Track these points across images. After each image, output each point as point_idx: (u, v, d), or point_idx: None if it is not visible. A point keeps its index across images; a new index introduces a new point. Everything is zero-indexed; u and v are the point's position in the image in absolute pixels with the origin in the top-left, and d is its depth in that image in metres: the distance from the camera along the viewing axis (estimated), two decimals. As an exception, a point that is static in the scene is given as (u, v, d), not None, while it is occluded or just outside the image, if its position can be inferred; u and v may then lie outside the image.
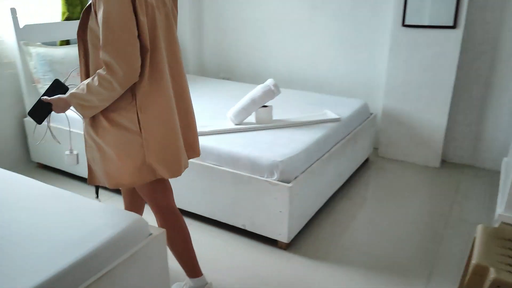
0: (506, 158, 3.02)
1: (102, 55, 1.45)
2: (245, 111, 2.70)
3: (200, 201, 2.52)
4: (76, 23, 2.77)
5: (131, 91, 1.55)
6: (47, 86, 2.15)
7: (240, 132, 2.60)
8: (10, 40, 3.09)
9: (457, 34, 3.07)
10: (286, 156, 2.27)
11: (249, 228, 2.40)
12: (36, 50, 3.05)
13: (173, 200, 1.88)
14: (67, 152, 1.89)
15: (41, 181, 2.07)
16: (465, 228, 2.58)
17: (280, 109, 2.93)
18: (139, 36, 1.49)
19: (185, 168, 1.77)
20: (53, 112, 1.62)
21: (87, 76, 1.62)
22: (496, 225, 2.24)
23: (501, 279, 1.46)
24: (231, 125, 2.68)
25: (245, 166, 2.33)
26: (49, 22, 3.30)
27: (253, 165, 2.30)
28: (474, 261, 1.58)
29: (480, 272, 1.55)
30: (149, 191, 1.77)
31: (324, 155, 2.60)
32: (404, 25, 3.21)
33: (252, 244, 2.39)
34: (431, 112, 3.32)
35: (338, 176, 2.85)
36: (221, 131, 2.60)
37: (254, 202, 2.32)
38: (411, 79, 3.31)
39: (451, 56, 3.13)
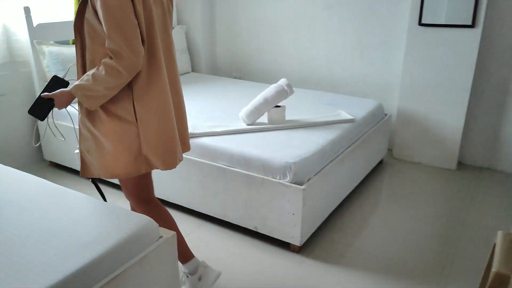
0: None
1: (108, 44, 1.47)
2: (258, 111, 2.66)
3: (211, 202, 2.49)
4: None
5: (128, 82, 1.57)
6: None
7: (252, 133, 2.57)
8: (24, 39, 3.10)
9: (475, 34, 2.99)
10: (299, 158, 2.23)
11: (261, 230, 2.36)
12: (49, 49, 3.05)
13: (153, 191, 1.91)
14: (77, 151, 1.88)
15: (52, 179, 2.06)
16: (482, 232, 2.51)
17: (293, 109, 2.88)
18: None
19: (179, 161, 1.78)
20: (55, 109, 1.62)
21: (84, 68, 1.63)
22: (516, 230, 2.18)
23: (523, 289, 1.40)
24: (243, 125, 2.65)
25: (258, 168, 2.29)
26: (62, 21, 3.30)
27: (266, 167, 2.26)
28: (494, 269, 1.53)
29: (500, 280, 1.49)
30: (134, 185, 1.78)
31: (338, 156, 2.55)
32: (420, 24, 3.14)
33: (264, 247, 2.36)
34: (447, 113, 3.24)
35: (351, 178, 2.80)
36: (233, 131, 2.57)
37: (267, 204, 2.28)
38: (427, 80, 3.24)
39: (469, 56, 3.05)
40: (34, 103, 1.60)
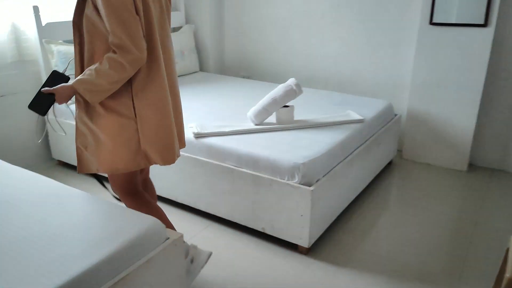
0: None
1: (112, 39, 1.49)
2: (266, 111, 2.63)
3: (219, 203, 2.47)
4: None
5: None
6: None
7: (260, 133, 2.54)
8: (33, 38, 3.10)
9: (488, 33, 2.94)
10: (308, 159, 2.20)
11: (268, 231, 2.34)
12: (58, 48, 3.05)
13: (141, 184, 1.94)
14: None
15: (60, 178, 2.06)
16: (494, 236, 2.46)
17: (302, 109, 2.86)
18: None
19: (177, 157, 1.80)
20: (55, 104, 1.62)
21: (82, 64, 1.64)
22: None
23: (539, 296, 1.36)
24: (251, 126, 2.62)
25: (266, 168, 2.27)
26: (71, 20, 3.30)
27: (274, 167, 2.24)
28: (508, 274, 1.49)
29: (515, 286, 1.46)
30: (123, 179, 1.80)
31: (347, 157, 2.52)
32: (432, 23, 3.09)
33: (272, 248, 2.33)
34: (459, 113, 3.19)
35: (360, 179, 2.76)
36: (241, 131, 2.55)
37: (274, 205, 2.26)
38: (438, 79, 3.20)
39: (481, 55, 3.00)
40: (34, 98, 1.59)
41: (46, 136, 3.32)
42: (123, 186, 1.83)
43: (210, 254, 1.96)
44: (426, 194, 2.95)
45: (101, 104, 1.62)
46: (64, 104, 1.63)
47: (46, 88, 1.59)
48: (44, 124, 1.64)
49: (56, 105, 1.64)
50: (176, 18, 4.09)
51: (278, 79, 4.04)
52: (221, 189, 2.43)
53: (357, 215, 2.67)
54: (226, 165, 2.38)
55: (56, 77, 1.63)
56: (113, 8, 1.47)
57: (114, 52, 1.51)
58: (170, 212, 2.68)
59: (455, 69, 3.11)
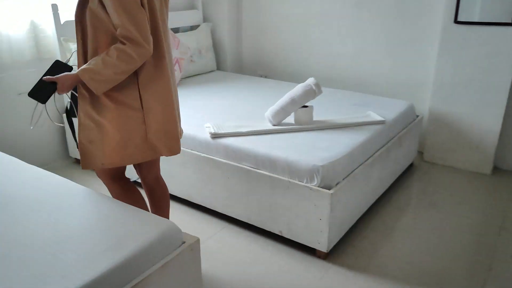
0: None
1: (121, 31, 1.51)
2: (284, 111, 2.58)
3: (235, 204, 2.43)
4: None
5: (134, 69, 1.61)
6: None
7: (278, 134, 2.49)
8: (51, 36, 3.10)
9: (516, 32, 2.83)
10: (327, 161, 2.14)
11: (286, 235, 2.28)
12: (76, 46, 3.04)
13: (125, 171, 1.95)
14: None
15: (76, 177, 2.04)
16: (521, 243, 2.37)
17: (321, 110, 2.79)
18: None
19: (180, 147, 1.84)
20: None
21: (85, 57, 1.65)
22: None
23: None
24: (269, 126, 2.57)
25: (284, 170, 2.21)
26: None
27: (292, 169, 2.18)
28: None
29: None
30: (112, 168, 1.81)
31: (367, 159, 2.45)
32: (456, 21, 2.99)
33: (289, 252, 2.28)
34: (483, 115, 3.08)
35: (381, 182, 2.69)
36: (258, 132, 2.50)
37: (293, 208, 2.20)
38: (462, 80, 3.09)
39: (508, 55, 2.89)
40: (34, 86, 1.58)
41: (64, 134, 3.32)
42: (109, 173, 1.84)
43: None
44: (448, 197, 2.86)
45: (108, 96, 1.63)
46: (66, 94, 1.64)
47: (48, 76, 1.58)
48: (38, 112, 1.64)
49: (56, 94, 1.63)
50: (193, 17, 4.06)
51: (295, 79, 3.98)
52: (238, 191, 2.38)
53: (376, 219, 2.60)
54: (243, 166, 2.34)
55: (59, 67, 1.62)
56: (121, 1, 1.49)
57: (122, 43, 1.53)
58: (186, 213, 2.65)
59: (481, 69, 3.01)
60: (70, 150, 3.33)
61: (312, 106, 2.61)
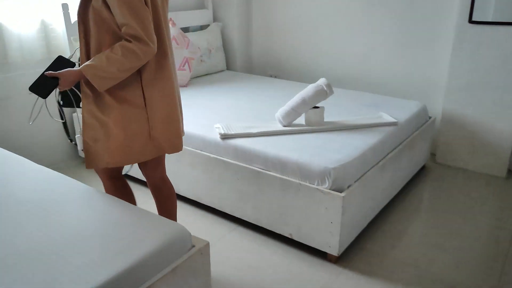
0: None
1: (127, 29, 1.51)
2: (295, 112, 2.54)
3: (245, 206, 2.40)
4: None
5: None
6: None
7: (288, 135, 2.46)
8: (61, 35, 3.10)
9: (532, 32, 2.77)
10: (339, 163, 2.10)
11: (296, 237, 2.25)
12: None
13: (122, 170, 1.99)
14: (78, 135, 1.83)
15: (85, 177, 2.03)
16: (538, 248, 2.31)
17: (332, 111, 2.75)
18: None
19: (182, 144, 1.87)
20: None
21: (88, 55, 1.65)
22: None
23: None
24: (279, 127, 2.54)
25: (294, 172, 2.18)
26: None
27: (303, 171, 2.15)
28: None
29: None
30: (112, 170, 1.85)
31: (379, 162, 2.40)
32: (471, 21, 2.93)
33: (299, 255, 2.25)
34: (498, 117, 3.02)
35: (392, 185, 2.64)
36: (269, 133, 2.47)
37: (303, 210, 2.17)
38: (477, 80, 3.03)
39: (525, 55, 2.83)
40: (36, 81, 1.57)
41: (74, 133, 3.32)
42: (111, 170, 1.86)
43: None
44: (461, 201, 2.80)
45: (112, 95, 1.63)
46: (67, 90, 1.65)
47: (51, 71, 1.57)
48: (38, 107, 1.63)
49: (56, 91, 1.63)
50: (203, 16, 4.04)
51: (306, 79, 3.94)
52: (247, 192, 2.35)
53: (388, 222, 2.55)
54: (253, 167, 2.31)
55: (61, 62, 1.61)
56: (127, 0, 1.49)
57: (128, 41, 1.53)
58: (195, 214, 2.63)
59: (496, 70, 2.94)
60: (79, 150, 3.32)
61: (323, 107, 2.57)
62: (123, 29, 1.53)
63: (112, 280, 1.17)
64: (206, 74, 3.88)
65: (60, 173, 1.83)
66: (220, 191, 2.49)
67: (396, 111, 2.82)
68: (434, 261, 2.21)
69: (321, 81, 2.56)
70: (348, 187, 2.12)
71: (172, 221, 1.46)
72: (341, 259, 2.21)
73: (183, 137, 2.19)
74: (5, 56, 2.87)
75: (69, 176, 1.82)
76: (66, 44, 3.07)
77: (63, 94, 1.80)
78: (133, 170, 2.44)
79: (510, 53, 2.86)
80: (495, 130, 3.06)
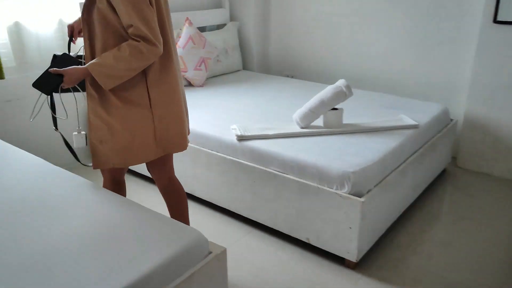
0: None
1: (133, 30, 1.52)
2: (313, 113, 2.49)
3: (261, 209, 2.36)
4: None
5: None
6: None
7: (306, 137, 2.41)
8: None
9: (561, 32, 2.66)
10: (359, 167, 2.04)
11: (313, 242, 2.20)
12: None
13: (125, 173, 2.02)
14: (75, 133, 1.81)
15: (100, 178, 2.01)
16: None
17: (350, 112, 2.69)
18: None
19: (188, 143, 1.88)
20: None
21: (93, 56, 1.64)
22: None
23: None
24: (297, 129, 2.49)
25: (312, 175, 2.13)
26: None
27: (321, 175, 2.10)
28: None
29: None
30: (117, 168, 1.86)
31: (399, 166, 2.34)
32: (496, 21, 2.84)
33: (316, 260, 2.20)
34: (523, 120, 2.92)
35: (412, 190, 2.57)
36: (286, 134, 2.42)
37: (321, 215, 2.12)
38: (501, 82, 2.94)
39: (552, 57, 2.73)
40: (40, 77, 1.56)
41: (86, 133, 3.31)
42: (110, 172, 1.88)
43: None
44: (483, 207, 2.72)
45: (117, 95, 1.64)
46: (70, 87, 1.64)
47: (55, 68, 1.56)
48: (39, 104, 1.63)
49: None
50: (220, 16, 4.01)
51: (323, 79, 3.88)
52: (264, 195, 2.31)
53: (407, 227, 2.48)
54: (270, 170, 2.26)
55: (66, 60, 1.61)
56: (133, 2, 1.50)
57: (136, 41, 1.54)
58: (211, 216, 2.60)
59: (521, 72, 2.85)
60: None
61: (342, 109, 2.52)
62: (129, 30, 1.53)
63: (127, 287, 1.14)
64: (222, 74, 3.85)
65: (76, 175, 1.81)
66: (236, 194, 2.45)
67: (417, 114, 2.75)
68: (455, 269, 2.13)
69: (340, 82, 2.50)
70: (368, 191, 2.06)
71: (189, 226, 1.43)
72: (360, 266, 2.15)
73: (189, 136, 2.22)
74: (23, 55, 2.87)
75: (84, 178, 1.80)
76: (83, 43, 3.06)
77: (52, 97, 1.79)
78: (145, 170, 2.41)
79: (537, 54, 2.77)
80: (520, 133, 2.96)
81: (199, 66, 3.42)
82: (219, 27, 4.05)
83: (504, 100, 2.96)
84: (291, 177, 2.19)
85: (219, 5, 4.10)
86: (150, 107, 1.69)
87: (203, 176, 2.57)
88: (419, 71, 3.41)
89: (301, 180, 2.15)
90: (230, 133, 2.46)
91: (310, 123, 2.51)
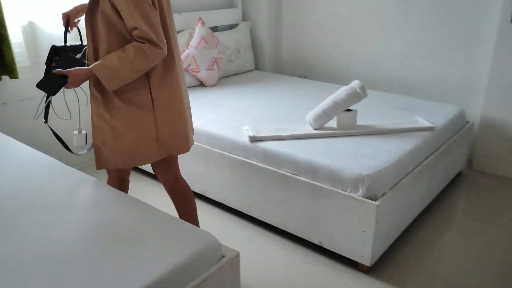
0: None
1: (138, 33, 1.52)
2: (326, 114, 2.46)
3: (274, 211, 2.34)
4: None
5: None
6: None
7: (320, 138, 2.38)
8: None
9: None
10: (373, 170, 2.01)
11: (326, 246, 2.17)
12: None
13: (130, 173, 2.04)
14: (75, 132, 1.80)
15: (103, 176, 2.01)
16: None
17: (365, 114, 2.65)
18: None
19: (191, 145, 1.87)
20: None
21: (96, 59, 1.65)
22: None
23: None
24: (310, 130, 2.46)
25: (326, 178, 2.10)
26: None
27: (335, 177, 2.07)
28: None
29: None
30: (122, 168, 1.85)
31: (414, 168, 2.30)
32: (514, 21, 2.78)
33: (329, 264, 2.17)
34: (542, 122, 2.86)
35: (427, 193, 2.52)
36: (299, 136, 2.39)
37: (334, 218, 2.09)
38: (519, 84, 2.87)
39: None
40: (43, 78, 1.54)
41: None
42: (116, 170, 1.89)
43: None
44: (499, 210, 2.66)
45: (120, 97, 1.65)
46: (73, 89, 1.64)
47: (60, 69, 1.55)
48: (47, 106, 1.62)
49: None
50: (233, 15, 3.99)
51: (336, 80, 3.84)
52: (277, 197, 2.29)
53: (422, 230, 2.44)
54: (283, 172, 2.24)
55: (70, 60, 1.60)
56: (134, 2, 1.50)
57: (141, 43, 1.54)
58: (222, 217, 2.58)
59: (540, 73, 2.78)
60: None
61: (356, 110, 2.48)
62: (134, 33, 1.54)
63: (139, 291, 1.12)
64: (235, 74, 3.83)
65: (89, 175, 1.80)
66: (248, 195, 2.43)
67: (432, 115, 2.70)
68: (470, 274, 2.09)
69: (355, 83, 2.47)
70: (383, 195, 2.02)
71: (202, 230, 1.41)
72: (373, 270, 2.12)
73: (199, 136, 2.27)
74: (36, 55, 2.89)
75: (96, 178, 1.79)
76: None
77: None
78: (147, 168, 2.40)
79: (557, 55, 2.70)
80: (538, 136, 2.89)
81: (212, 66, 3.40)
82: (232, 27, 4.03)
83: (522, 102, 2.89)
84: (304, 179, 2.16)
85: (231, 5, 4.09)
86: (153, 108, 1.70)
87: (215, 177, 2.56)
88: (435, 72, 3.35)
89: (314, 183, 2.12)
90: (242, 134, 2.44)
91: (324, 124, 2.48)
